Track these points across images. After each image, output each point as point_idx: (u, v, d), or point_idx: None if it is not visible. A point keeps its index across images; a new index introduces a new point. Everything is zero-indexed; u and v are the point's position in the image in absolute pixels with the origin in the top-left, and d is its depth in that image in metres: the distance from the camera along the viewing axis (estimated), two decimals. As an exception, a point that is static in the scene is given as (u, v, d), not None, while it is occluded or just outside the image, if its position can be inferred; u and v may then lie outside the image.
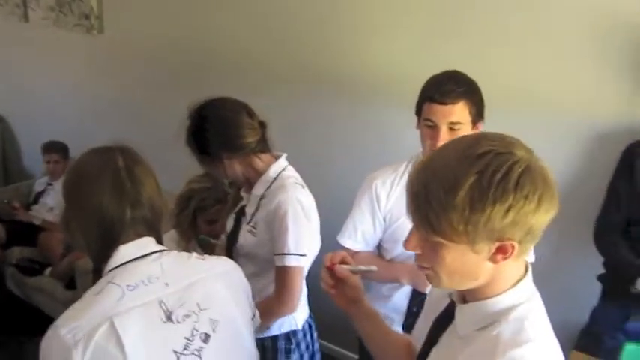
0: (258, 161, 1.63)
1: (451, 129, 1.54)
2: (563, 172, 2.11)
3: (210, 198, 2.02)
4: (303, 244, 1.57)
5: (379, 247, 1.83)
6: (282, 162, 1.67)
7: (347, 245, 1.77)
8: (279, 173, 1.64)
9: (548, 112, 2.10)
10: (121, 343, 1.02)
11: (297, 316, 1.75)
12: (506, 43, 2.13)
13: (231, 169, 1.60)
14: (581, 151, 2.09)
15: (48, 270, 3.23)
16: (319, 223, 1.71)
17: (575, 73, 2.03)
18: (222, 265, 1.27)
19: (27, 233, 3.48)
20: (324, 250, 1.76)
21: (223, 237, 1.84)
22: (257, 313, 1.35)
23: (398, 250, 1.73)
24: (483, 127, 1.62)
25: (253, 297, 1.32)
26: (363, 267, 1.16)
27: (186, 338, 1.11)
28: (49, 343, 1.05)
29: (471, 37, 2.18)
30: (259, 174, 1.64)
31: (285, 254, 1.56)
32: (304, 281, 1.76)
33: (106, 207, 1.12)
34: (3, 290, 3.39)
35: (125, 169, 1.15)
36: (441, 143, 1.53)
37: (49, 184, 3.65)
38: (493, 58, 2.14)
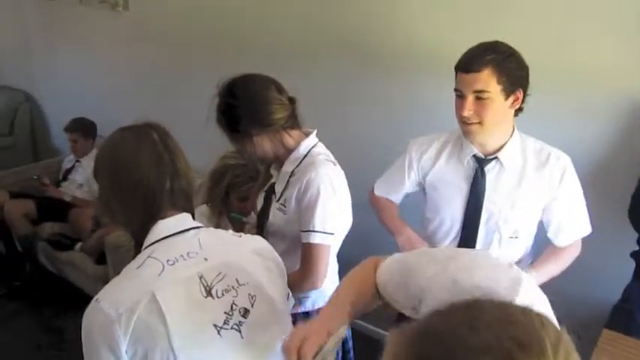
0: (288, 138, 1.62)
1: (478, 97, 1.53)
2: (600, 147, 2.07)
3: (244, 175, 2.00)
4: (330, 223, 1.57)
5: (423, 217, 1.87)
6: (313, 138, 1.66)
7: (376, 192, 1.92)
8: (310, 150, 1.63)
9: (586, 86, 2.05)
10: (163, 316, 1.03)
11: (328, 294, 1.75)
12: (547, 18, 2.08)
13: (261, 146, 1.60)
14: (618, 126, 2.04)
15: (78, 245, 3.30)
16: (350, 200, 1.70)
17: (613, 47, 1.98)
18: (258, 243, 1.29)
19: (57, 209, 3.54)
20: (356, 227, 1.77)
21: (254, 215, 1.85)
22: (291, 294, 1.36)
23: (437, 221, 1.78)
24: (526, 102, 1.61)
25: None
26: (330, 345, 1.05)
27: (225, 313, 1.12)
28: (90, 318, 1.07)
29: (514, 10, 2.13)
30: (289, 151, 1.63)
31: (311, 231, 1.56)
32: (333, 258, 1.77)
33: (147, 179, 1.13)
34: (36, 265, 3.48)
35: (160, 142, 1.17)
36: (466, 112, 1.54)
37: (77, 161, 3.70)
38: (535, 33, 2.08)
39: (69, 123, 3.60)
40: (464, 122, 1.59)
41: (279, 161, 1.66)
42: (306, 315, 1.76)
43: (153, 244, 1.13)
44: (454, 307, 0.69)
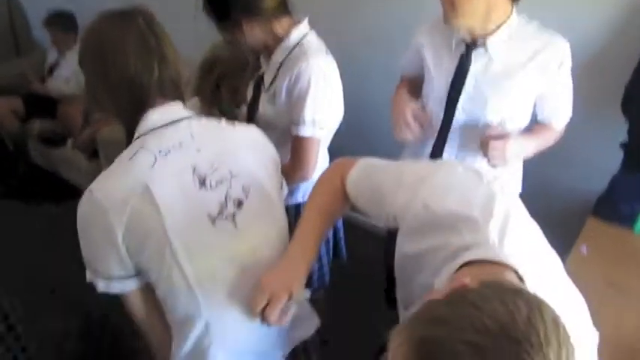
0: (279, 26, 1.55)
1: None
2: (595, 38, 2.01)
3: (234, 65, 1.96)
4: (321, 115, 1.55)
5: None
6: (304, 27, 1.59)
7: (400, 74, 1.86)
8: (301, 39, 1.57)
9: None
10: (156, 206, 1.04)
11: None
12: None
13: (251, 34, 1.54)
14: (614, 16, 1.97)
15: (70, 141, 3.28)
16: (342, 91, 1.67)
17: None
18: (251, 133, 1.27)
19: (45, 105, 3.48)
20: (350, 122, 1.74)
21: (244, 107, 1.82)
22: (284, 183, 1.37)
23: (429, 105, 1.70)
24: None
25: None
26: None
27: (219, 203, 1.13)
28: (84, 208, 1.08)
29: None
30: (279, 40, 1.57)
31: (301, 124, 1.55)
32: (324, 150, 1.77)
33: (134, 67, 1.08)
34: (29, 163, 3.48)
35: (147, 26, 1.11)
36: None
37: (61, 56, 3.57)
38: None
39: (47, 18, 3.41)
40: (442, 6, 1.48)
41: (269, 51, 1.61)
42: (297, 207, 1.79)
43: (144, 135, 1.11)
44: (453, 293, 0.70)
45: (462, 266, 0.85)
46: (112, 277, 1.12)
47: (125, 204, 1.03)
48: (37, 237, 2.93)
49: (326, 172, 1.25)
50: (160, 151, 1.09)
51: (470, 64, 1.55)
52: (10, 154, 3.55)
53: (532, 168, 1.81)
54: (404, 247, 1.01)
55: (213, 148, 1.15)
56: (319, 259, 1.90)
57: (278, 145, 1.66)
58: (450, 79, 1.59)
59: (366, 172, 1.14)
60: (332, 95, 1.59)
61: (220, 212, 1.13)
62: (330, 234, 1.93)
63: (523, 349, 0.61)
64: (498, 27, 1.51)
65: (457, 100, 1.60)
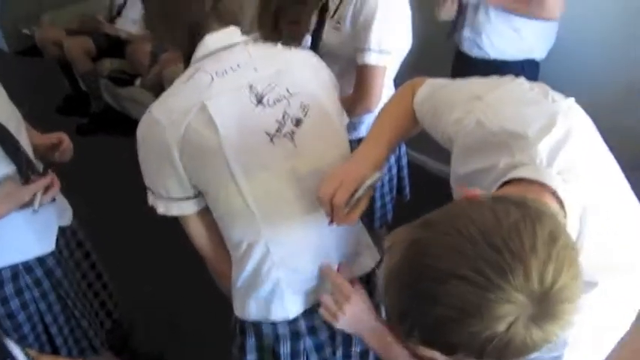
0: None
1: None
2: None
3: None
4: (387, 41, 1.47)
5: None
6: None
7: None
8: (368, -39, 1.48)
9: None
10: (213, 124, 1.03)
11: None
12: None
13: None
14: None
15: (138, 80, 3.35)
16: (411, 18, 1.58)
17: None
18: (309, 55, 1.23)
19: (114, 46, 3.56)
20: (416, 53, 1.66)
21: (307, 37, 1.77)
22: (344, 111, 1.31)
23: None
24: None
25: None
26: (361, 192, 1.02)
27: (277, 121, 1.10)
28: (142, 126, 1.09)
29: None
30: (345, -37, 1.50)
31: (366, 50, 1.48)
32: (390, 81, 1.69)
33: (187, 13, 1.09)
34: (100, 102, 3.60)
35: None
36: None
37: (128, -4, 3.61)
38: None
39: (116, -46, 3.46)
40: None
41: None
42: (360, 141, 1.73)
43: (201, 59, 1.11)
44: (455, 201, 0.69)
45: (504, 184, 0.80)
46: (171, 198, 1.12)
47: (181, 121, 1.03)
48: (109, 174, 3.04)
49: (398, 90, 1.19)
50: (216, 72, 1.07)
51: None
52: (83, 94, 3.68)
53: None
54: (456, 167, 0.96)
55: (271, 68, 1.12)
56: (382, 196, 1.86)
57: (340, 76, 1.60)
58: None
59: (431, 91, 1.07)
60: (400, 20, 1.50)
61: (278, 130, 1.10)
62: (394, 170, 1.88)
63: (502, 257, 0.59)
64: None
65: None
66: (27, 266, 1.46)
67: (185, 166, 1.07)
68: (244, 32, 1.15)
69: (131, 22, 3.61)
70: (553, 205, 0.74)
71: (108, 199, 2.82)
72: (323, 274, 1.17)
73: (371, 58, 1.48)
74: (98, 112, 3.60)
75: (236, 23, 1.14)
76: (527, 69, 2.08)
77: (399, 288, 0.66)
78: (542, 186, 0.76)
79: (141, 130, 1.10)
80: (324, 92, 1.18)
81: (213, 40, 1.10)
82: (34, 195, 1.35)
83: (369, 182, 1.02)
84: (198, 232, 1.20)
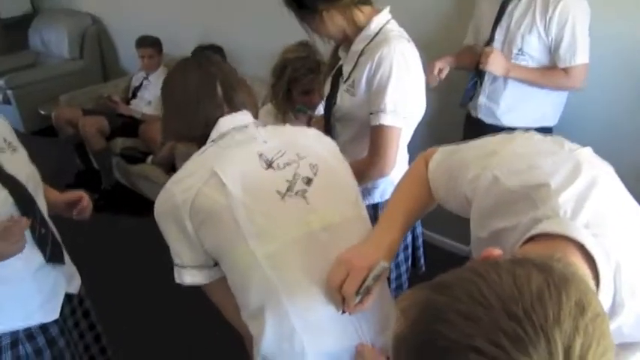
0: (359, 14, 1.51)
1: None
2: None
3: (304, 67, 1.96)
4: (402, 103, 1.47)
5: None
6: (385, 15, 1.54)
7: None
8: (382, 27, 1.51)
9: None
10: (224, 186, 1.06)
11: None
12: None
13: (331, 22, 1.50)
14: None
15: (150, 158, 3.38)
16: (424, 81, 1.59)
17: None
18: (313, 130, 1.31)
19: (128, 125, 3.63)
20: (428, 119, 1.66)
21: (321, 107, 1.79)
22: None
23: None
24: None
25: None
26: (370, 281, 0.99)
27: (288, 181, 1.12)
28: (159, 199, 1.14)
29: None
30: (359, 28, 1.52)
31: (381, 112, 1.47)
32: (404, 147, 1.68)
33: (195, 87, 1.19)
34: (111, 179, 3.61)
35: (209, 63, 1.24)
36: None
37: (145, 78, 3.73)
38: None
39: (139, 39, 3.61)
40: None
41: (348, 41, 1.56)
42: (375, 207, 1.70)
43: (215, 139, 1.17)
44: (473, 261, 0.62)
45: (527, 241, 0.74)
46: (184, 266, 1.14)
47: (192, 188, 1.08)
48: (116, 250, 2.99)
49: (412, 165, 1.18)
50: (228, 145, 1.14)
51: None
52: (95, 172, 3.70)
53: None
54: (477, 231, 0.90)
55: (280, 140, 1.18)
56: (397, 265, 1.79)
57: (355, 140, 1.62)
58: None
59: (444, 157, 1.05)
60: (414, 83, 1.51)
61: (289, 189, 1.11)
62: (409, 239, 1.82)
63: (522, 328, 0.51)
64: None
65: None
66: (28, 333, 1.37)
67: (198, 233, 1.09)
68: (254, 116, 1.25)
69: (145, 102, 3.71)
70: (581, 265, 0.68)
71: (115, 274, 2.75)
72: (359, 353, 1.10)
73: (386, 119, 1.47)
74: (109, 189, 3.61)
75: (246, 109, 1.24)
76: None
77: (407, 354, 0.59)
78: (569, 241, 0.70)
79: (157, 203, 1.14)
80: (330, 152, 1.23)
81: (227, 122, 1.18)
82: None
83: (376, 272, 0.99)
84: (222, 299, 1.19)
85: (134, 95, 3.82)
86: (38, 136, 4.46)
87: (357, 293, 0.99)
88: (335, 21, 1.50)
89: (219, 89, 1.20)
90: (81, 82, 4.24)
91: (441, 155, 1.06)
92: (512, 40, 2.02)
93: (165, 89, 1.27)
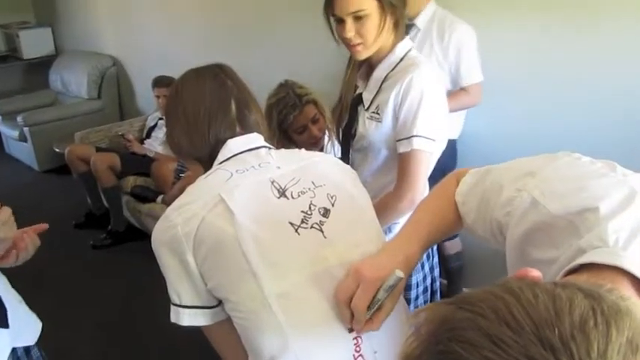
0: (390, 36, 1.43)
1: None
2: None
3: (286, 106, 1.94)
4: (434, 128, 1.38)
5: None
6: (408, 42, 1.47)
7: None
8: (406, 53, 1.45)
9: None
10: (230, 214, 0.94)
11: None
12: None
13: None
14: None
15: (160, 197, 3.30)
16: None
17: None
18: (330, 156, 1.20)
19: (140, 164, 3.58)
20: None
21: (326, 138, 1.73)
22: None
23: None
24: None
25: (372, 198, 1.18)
26: (381, 294, 0.87)
27: (303, 212, 0.99)
28: (156, 228, 1.01)
29: None
30: (383, 55, 1.45)
31: (413, 137, 1.38)
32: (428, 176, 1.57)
33: (210, 102, 1.10)
34: (120, 218, 3.53)
35: (224, 75, 1.15)
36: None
37: (160, 119, 3.71)
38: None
39: (156, 78, 3.60)
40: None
41: (370, 67, 1.49)
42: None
43: (223, 162, 1.07)
44: (506, 278, 0.51)
45: (568, 274, 0.63)
46: (182, 305, 1.00)
47: (195, 216, 0.95)
48: (124, 289, 2.88)
49: (440, 182, 1.06)
50: (237, 170, 1.03)
51: None
52: (104, 209, 3.63)
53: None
54: (512, 261, 0.79)
55: (294, 166, 1.07)
56: (417, 297, 1.65)
57: (379, 172, 1.52)
58: None
59: (476, 178, 0.93)
60: (442, 109, 1.42)
61: (304, 220, 0.99)
62: (427, 268, 1.68)
63: (556, 358, 0.41)
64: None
65: None
66: None
67: (201, 269, 0.95)
68: (266, 140, 1.14)
69: (159, 142, 3.68)
70: (636, 300, 0.57)
71: (122, 310, 2.62)
72: None
73: (418, 144, 1.38)
74: (121, 230, 3.53)
75: (258, 131, 1.14)
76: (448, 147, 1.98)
77: None
78: (620, 273, 0.59)
79: (155, 232, 1.00)
80: (349, 180, 1.11)
81: (237, 144, 1.09)
82: None
83: (389, 282, 0.85)
84: (226, 347, 1.05)
85: (148, 135, 3.79)
86: (52, 174, 4.44)
87: (368, 308, 0.86)
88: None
89: (233, 106, 1.11)
90: (97, 122, 4.24)
91: (472, 177, 0.95)
92: None
93: (175, 98, 1.14)
